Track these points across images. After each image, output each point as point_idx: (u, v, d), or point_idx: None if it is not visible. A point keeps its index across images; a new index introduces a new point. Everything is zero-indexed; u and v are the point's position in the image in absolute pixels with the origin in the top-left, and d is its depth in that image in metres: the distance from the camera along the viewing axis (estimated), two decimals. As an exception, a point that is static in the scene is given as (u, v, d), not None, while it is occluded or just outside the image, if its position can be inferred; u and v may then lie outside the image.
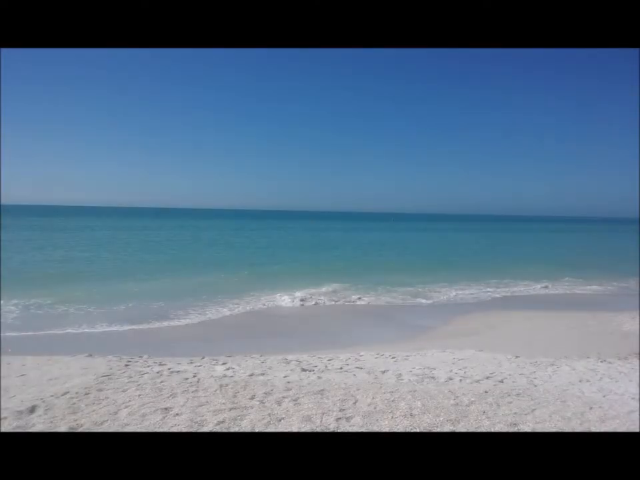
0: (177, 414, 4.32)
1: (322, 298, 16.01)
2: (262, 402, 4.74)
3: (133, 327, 11.78)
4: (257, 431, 3.96)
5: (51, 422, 4.08)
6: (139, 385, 5.33)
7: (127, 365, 6.60)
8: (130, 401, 4.70)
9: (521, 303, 16.34)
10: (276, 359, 7.76)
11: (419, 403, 4.81)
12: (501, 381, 6.13)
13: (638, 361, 8.17)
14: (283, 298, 15.77)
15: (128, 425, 4.07)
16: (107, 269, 22.46)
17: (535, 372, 6.93)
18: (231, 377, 5.96)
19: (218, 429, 3.98)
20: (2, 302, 13.36)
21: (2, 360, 6.67)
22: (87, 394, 4.88)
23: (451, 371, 6.86)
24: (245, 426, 4.08)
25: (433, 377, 6.30)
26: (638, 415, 4.73)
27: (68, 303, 13.99)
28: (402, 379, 6.10)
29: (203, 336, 11.08)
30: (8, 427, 3.95)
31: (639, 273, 22.25)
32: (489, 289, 18.80)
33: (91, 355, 7.49)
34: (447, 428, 4.14)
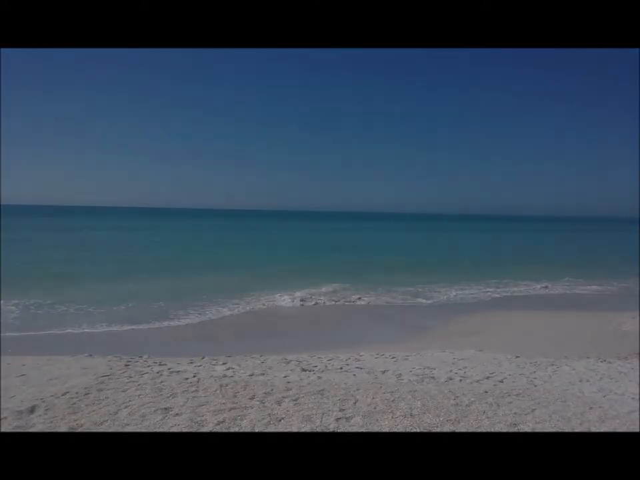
0: (177, 414, 4.32)
1: (322, 298, 16.01)
2: (262, 402, 4.74)
3: (133, 327, 11.78)
4: (256, 431, 3.95)
5: (51, 422, 4.08)
6: (139, 385, 5.33)
7: (127, 365, 6.59)
8: (130, 401, 4.70)
9: (521, 303, 16.35)
10: (276, 359, 7.75)
11: (419, 402, 4.81)
12: (501, 381, 6.13)
13: (638, 360, 8.17)
14: (283, 298, 15.77)
15: (128, 425, 4.06)
16: (107, 269, 22.46)
17: (535, 372, 6.93)
18: (231, 376, 5.96)
19: (218, 429, 3.98)
20: (2, 302, 13.36)
21: (2, 360, 6.67)
22: (86, 394, 4.88)
23: (450, 371, 6.86)
24: (244, 426, 4.07)
25: (432, 377, 6.30)
26: (638, 415, 4.73)
27: (68, 303, 14.00)
28: (402, 379, 6.10)
29: (202, 336, 11.09)
30: (8, 427, 3.94)
31: (639, 273, 22.26)
32: (489, 289, 18.81)
33: (90, 355, 7.49)
34: (447, 428, 4.14)
